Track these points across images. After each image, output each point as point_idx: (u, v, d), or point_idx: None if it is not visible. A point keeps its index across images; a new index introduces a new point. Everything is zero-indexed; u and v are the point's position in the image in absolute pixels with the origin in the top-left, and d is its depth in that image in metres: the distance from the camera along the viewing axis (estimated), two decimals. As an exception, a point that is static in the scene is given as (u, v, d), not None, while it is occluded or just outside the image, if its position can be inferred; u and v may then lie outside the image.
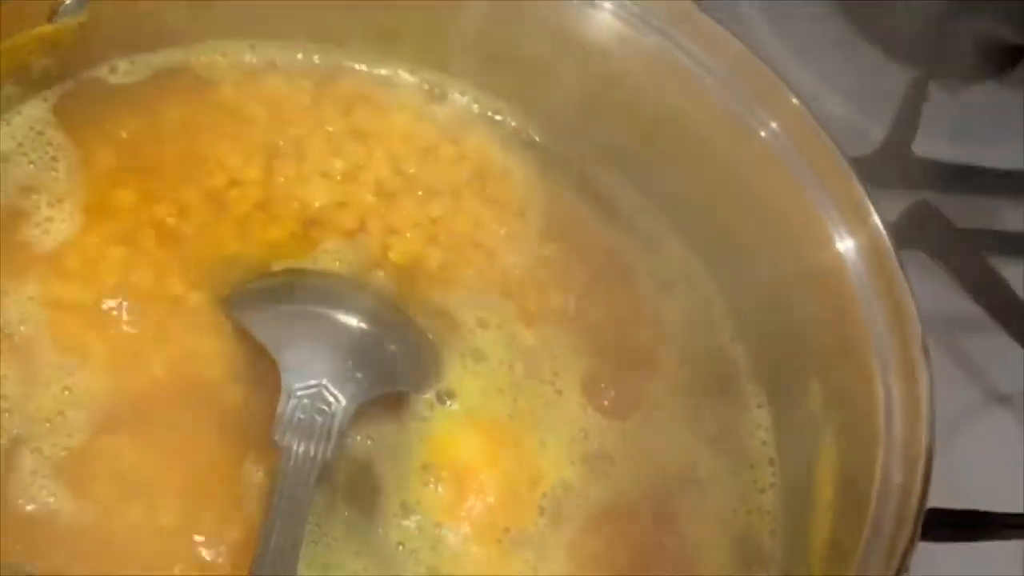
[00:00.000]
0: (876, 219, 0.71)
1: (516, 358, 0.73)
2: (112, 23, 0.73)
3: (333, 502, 0.67)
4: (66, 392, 0.67)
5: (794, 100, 0.73)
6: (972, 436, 0.90)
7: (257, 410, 0.68)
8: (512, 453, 0.71)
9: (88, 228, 0.71)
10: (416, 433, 0.70)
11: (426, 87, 0.81)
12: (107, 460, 0.66)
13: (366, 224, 0.76)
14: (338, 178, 0.77)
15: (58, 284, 0.69)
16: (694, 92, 0.75)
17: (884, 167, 0.96)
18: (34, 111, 0.74)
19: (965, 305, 0.93)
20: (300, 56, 0.79)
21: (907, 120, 0.99)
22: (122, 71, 0.76)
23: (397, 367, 0.71)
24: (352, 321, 0.70)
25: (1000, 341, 0.92)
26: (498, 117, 0.81)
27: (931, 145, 0.99)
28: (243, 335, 0.70)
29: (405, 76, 0.81)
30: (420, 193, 0.77)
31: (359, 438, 0.69)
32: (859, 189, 0.71)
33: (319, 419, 0.66)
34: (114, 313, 0.69)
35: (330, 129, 0.78)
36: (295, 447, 0.65)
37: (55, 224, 0.71)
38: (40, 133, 0.73)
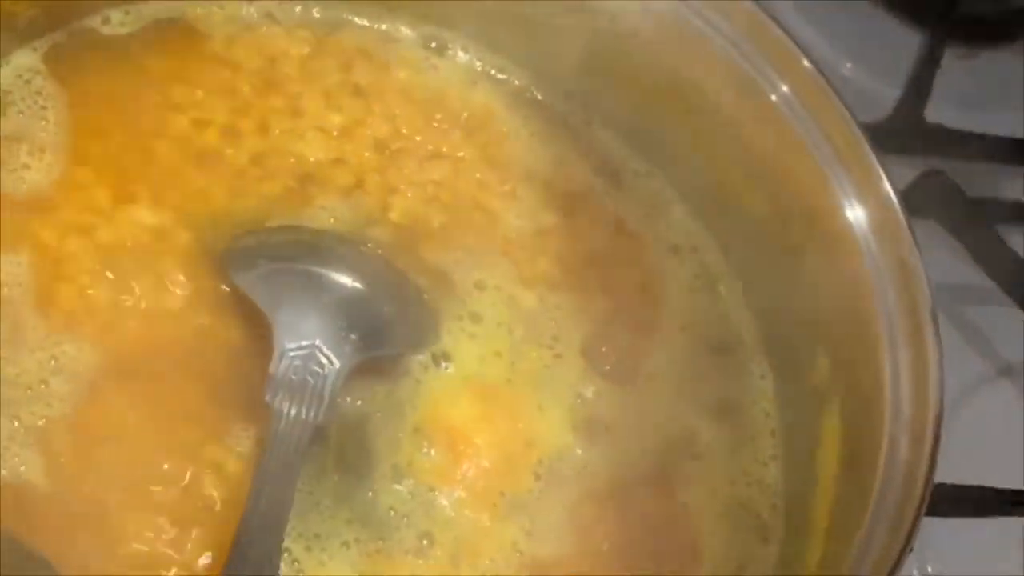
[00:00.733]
0: (888, 187, 0.70)
1: (515, 321, 0.73)
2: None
3: (324, 467, 0.66)
4: (52, 362, 0.65)
5: (806, 63, 0.72)
6: (978, 410, 0.89)
7: (250, 372, 0.66)
8: (508, 417, 0.70)
9: (68, 179, 0.70)
10: (409, 396, 0.69)
11: (428, 43, 0.80)
12: (91, 428, 0.65)
13: (364, 182, 0.75)
14: (335, 133, 0.76)
15: (42, 232, 0.68)
16: (703, 54, 0.74)
17: (896, 133, 0.95)
18: (24, 60, 0.73)
19: (974, 276, 0.92)
20: (299, 10, 0.79)
21: (920, 86, 0.99)
22: (115, 21, 0.75)
23: (392, 328, 0.70)
24: (347, 281, 0.69)
25: (1009, 313, 0.91)
26: (502, 76, 0.80)
27: (943, 111, 0.98)
28: (235, 294, 0.69)
29: (406, 31, 0.80)
30: (421, 152, 0.77)
31: (349, 399, 0.68)
32: (871, 156, 0.70)
33: (311, 380, 0.65)
34: (99, 271, 0.68)
35: (328, 84, 0.77)
36: (286, 409, 0.64)
37: (30, 173, 0.70)
38: (28, 82, 0.72)
